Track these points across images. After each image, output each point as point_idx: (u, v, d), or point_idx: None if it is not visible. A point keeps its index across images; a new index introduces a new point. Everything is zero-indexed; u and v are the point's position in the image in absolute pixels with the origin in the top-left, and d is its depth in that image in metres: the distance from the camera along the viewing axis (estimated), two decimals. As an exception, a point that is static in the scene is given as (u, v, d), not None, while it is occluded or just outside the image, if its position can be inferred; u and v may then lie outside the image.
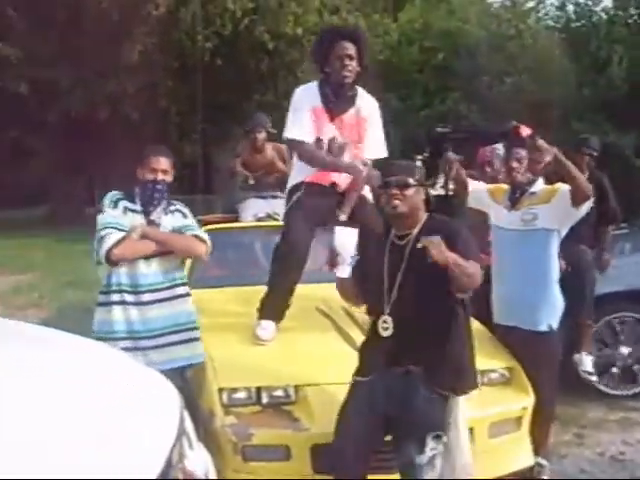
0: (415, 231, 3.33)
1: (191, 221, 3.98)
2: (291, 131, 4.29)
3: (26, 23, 17.69)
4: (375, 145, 4.40)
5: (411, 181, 3.31)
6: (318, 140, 4.24)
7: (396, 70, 13.91)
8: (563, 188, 4.11)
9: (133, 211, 3.83)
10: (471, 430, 3.77)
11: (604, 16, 12.59)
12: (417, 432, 3.21)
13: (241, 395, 3.65)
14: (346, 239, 3.26)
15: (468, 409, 3.76)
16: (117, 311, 3.73)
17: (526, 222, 4.20)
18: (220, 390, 3.61)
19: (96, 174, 20.66)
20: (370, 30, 15.17)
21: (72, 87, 17.26)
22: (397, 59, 14.02)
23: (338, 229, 3.29)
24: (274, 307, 4.22)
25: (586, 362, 5.42)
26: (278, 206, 6.12)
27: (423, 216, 3.39)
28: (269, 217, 6.11)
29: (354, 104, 4.29)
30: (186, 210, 4.00)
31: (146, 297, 3.75)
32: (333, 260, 3.24)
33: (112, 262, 3.70)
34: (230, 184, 6.94)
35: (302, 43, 17.29)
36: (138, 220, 3.80)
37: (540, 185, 4.31)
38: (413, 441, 3.20)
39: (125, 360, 2.58)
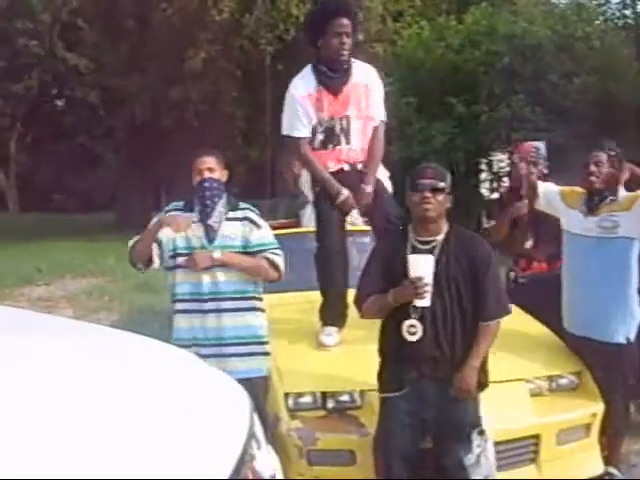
0: (440, 237, 3.37)
1: (265, 234, 3.86)
2: (285, 127, 4.24)
3: (95, 33, 18.16)
4: (377, 110, 4.29)
5: (444, 186, 3.34)
6: (320, 124, 4.17)
7: (460, 73, 13.79)
8: None
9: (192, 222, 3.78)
10: (539, 437, 3.74)
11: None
12: (463, 432, 3.25)
13: (307, 400, 3.69)
14: (423, 267, 3.23)
15: (536, 415, 3.75)
16: (181, 319, 3.78)
17: (605, 229, 4.06)
18: (286, 395, 3.66)
19: (163, 180, 21.04)
20: (435, 33, 15.06)
21: (139, 94, 17.61)
22: (462, 62, 13.89)
23: (412, 258, 3.28)
24: (332, 312, 4.24)
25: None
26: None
27: (445, 224, 3.42)
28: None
29: (352, 75, 4.19)
30: (257, 217, 3.86)
31: (207, 305, 3.74)
32: (413, 289, 3.21)
33: (134, 265, 3.87)
34: (292, 189, 6.95)
35: (365, 49, 17.28)
36: (193, 231, 3.76)
37: (621, 192, 4.17)
38: (461, 441, 3.24)
39: (197, 363, 2.62)
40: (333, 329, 4.15)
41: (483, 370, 3.42)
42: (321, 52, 4.19)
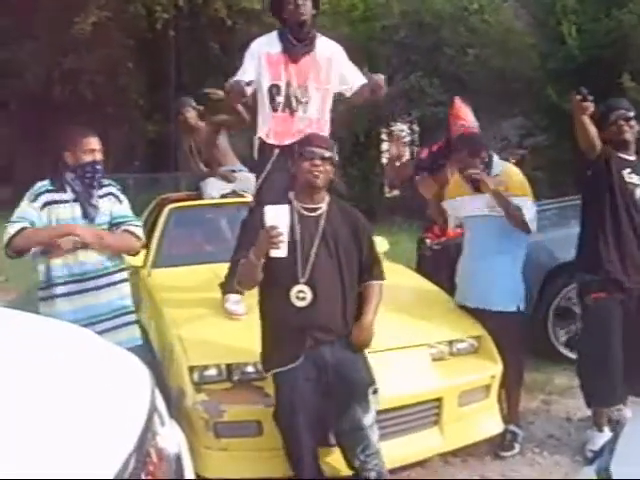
0: (325, 205, 3.43)
1: (126, 208, 3.92)
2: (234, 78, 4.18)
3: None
4: (352, 76, 4.30)
5: (332, 156, 3.38)
6: (274, 86, 4.15)
7: (358, 46, 13.81)
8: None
9: (63, 202, 3.73)
10: (441, 400, 3.84)
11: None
12: (361, 391, 3.30)
13: (212, 372, 3.65)
14: (277, 217, 3.20)
15: (438, 379, 3.84)
16: (62, 303, 3.71)
17: (492, 208, 4.21)
18: (190, 368, 3.61)
19: (62, 154, 20.36)
20: (331, 6, 15.01)
21: (29, 64, 16.93)
22: (359, 35, 13.91)
23: (269, 207, 3.24)
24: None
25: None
26: (241, 181, 6.10)
27: (326, 194, 3.48)
28: (234, 193, 6.09)
29: (314, 47, 4.21)
30: (119, 192, 3.93)
31: (89, 284, 3.74)
32: (268, 239, 3.17)
33: (13, 252, 3.71)
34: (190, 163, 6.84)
35: (261, 20, 17.04)
36: (67, 211, 3.71)
37: (499, 165, 4.32)
38: (359, 401, 3.28)
39: (95, 339, 2.56)
40: (238, 297, 4.11)
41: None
42: (283, 20, 4.20)
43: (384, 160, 14.76)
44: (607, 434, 4.08)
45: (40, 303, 3.79)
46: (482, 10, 14.10)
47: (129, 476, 1.74)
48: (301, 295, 3.30)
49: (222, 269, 4.27)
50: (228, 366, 3.66)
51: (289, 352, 3.31)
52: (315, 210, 3.41)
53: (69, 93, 17.25)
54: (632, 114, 4.15)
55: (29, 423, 1.75)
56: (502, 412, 4.25)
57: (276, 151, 4.18)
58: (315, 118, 4.20)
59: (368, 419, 3.29)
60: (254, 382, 3.66)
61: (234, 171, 6.24)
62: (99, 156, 3.81)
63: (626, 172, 4.02)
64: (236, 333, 3.86)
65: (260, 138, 4.24)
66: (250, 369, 3.68)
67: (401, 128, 15.37)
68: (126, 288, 3.92)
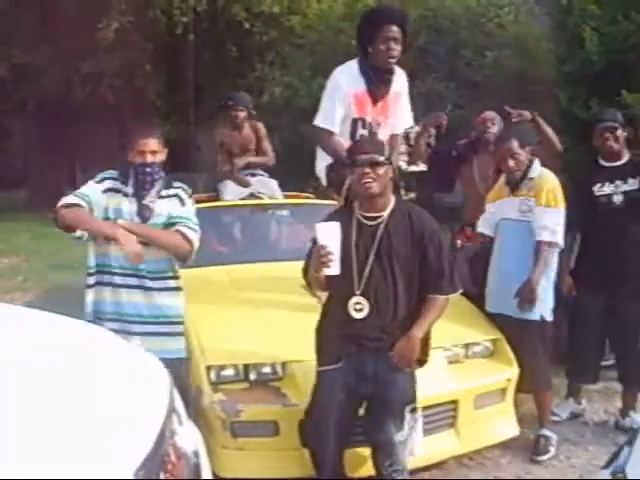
0: (386, 213, 3.29)
1: (187, 210, 3.74)
2: (319, 118, 4.28)
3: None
4: (407, 117, 4.58)
5: (382, 159, 3.24)
6: (359, 120, 4.25)
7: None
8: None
9: (124, 194, 3.68)
10: (457, 402, 3.85)
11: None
12: (397, 408, 3.27)
13: (229, 372, 3.69)
14: (326, 235, 3.14)
15: (454, 382, 3.85)
16: (107, 292, 3.67)
17: (522, 213, 4.21)
18: (208, 368, 3.65)
19: (77, 156, 20.49)
20: (349, 8, 15.02)
21: (49, 68, 17.05)
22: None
23: (317, 226, 3.19)
24: None
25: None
26: (260, 185, 6.17)
27: (392, 198, 3.35)
28: (252, 196, 6.14)
29: (392, 84, 4.32)
30: (185, 195, 3.77)
31: (143, 282, 3.65)
32: (320, 257, 3.11)
33: (61, 225, 3.61)
34: (211, 163, 6.90)
35: (280, 23, 17.05)
36: (126, 204, 3.65)
37: (537, 169, 4.26)
38: (394, 418, 3.26)
39: (114, 340, 2.59)
40: None
41: (424, 346, 3.39)
42: (370, 58, 4.22)
43: (400, 163, 14.77)
44: (571, 405, 4.81)
45: (89, 290, 3.68)
46: (499, 16, 14.07)
47: (148, 475, 1.76)
48: (358, 307, 3.25)
49: (240, 270, 4.30)
50: (245, 366, 3.70)
51: (333, 355, 3.31)
52: (376, 218, 3.29)
53: (88, 96, 17.37)
54: (616, 124, 4.51)
55: (48, 422, 1.77)
56: (518, 415, 4.26)
57: None
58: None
59: (400, 436, 3.27)
60: (271, 382, 3.70)
61: (253, 175, 6.29)
62: (151, 158, 3.66)
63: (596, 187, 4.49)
64: (254, 334, 3.89)
65: None
66: (267, 370, 3.71)
67: (417, 130, 15.36)
68: (180, 297, 3.77)
